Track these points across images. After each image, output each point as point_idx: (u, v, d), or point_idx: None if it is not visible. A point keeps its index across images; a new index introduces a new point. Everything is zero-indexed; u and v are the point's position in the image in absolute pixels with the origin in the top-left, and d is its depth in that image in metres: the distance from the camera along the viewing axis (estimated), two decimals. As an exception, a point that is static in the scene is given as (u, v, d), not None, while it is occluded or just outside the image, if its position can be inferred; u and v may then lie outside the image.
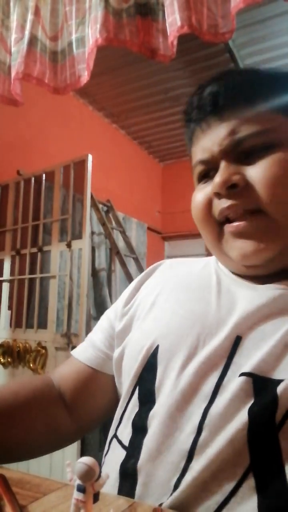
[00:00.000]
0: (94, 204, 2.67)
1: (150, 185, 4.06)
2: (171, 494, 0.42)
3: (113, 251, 2.86)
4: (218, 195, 0.50)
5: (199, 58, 2.54)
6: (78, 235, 2.00)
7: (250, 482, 0.40)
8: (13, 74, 1.32)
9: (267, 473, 0.40)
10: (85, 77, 1.26)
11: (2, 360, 2.05)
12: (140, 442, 0.47)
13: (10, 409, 0.56)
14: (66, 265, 2.03)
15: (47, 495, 0.39)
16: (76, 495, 0.31)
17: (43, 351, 1.94)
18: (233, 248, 0.51)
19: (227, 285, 0.55)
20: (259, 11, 2.19)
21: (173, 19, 1.04)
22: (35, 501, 0.37)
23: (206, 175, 0.53)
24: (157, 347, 0.51)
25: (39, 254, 2.12)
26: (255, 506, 0.39)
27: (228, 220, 0.51)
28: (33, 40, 1.31)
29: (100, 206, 2.86)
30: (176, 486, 0.42)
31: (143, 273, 0.68)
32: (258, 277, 0.52)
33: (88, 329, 2.39)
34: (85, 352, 0.65)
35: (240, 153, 0.50)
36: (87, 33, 1.23)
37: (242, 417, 0.41)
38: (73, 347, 1.84)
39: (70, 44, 1.29)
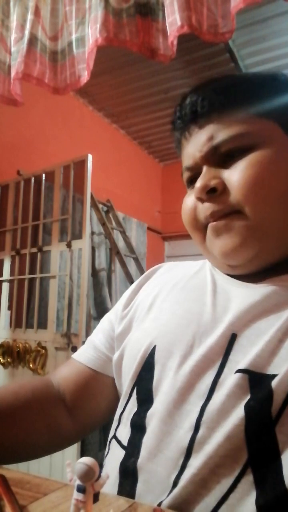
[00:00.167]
0: (94, 204, 2.66)
1: (150, 185, 4.06)
2: (170, 491, 0.42)
3: (113, 251, 2.86)
4: (200, 199, 0.52)
5: (199, 58, 2.54)
6: (78, 235, 2.00)
7: (249, 477, 0.40)
8: (13, 74, 1.32)
9: (265, 468, 0.40)
10: (85, 77, 1.26)
11: (2, 360, 2.05)
12: (139, 441, 0.48)
13: (10, 409, 0.56)
14: (66, 265, 2.03)
15: (47, 495, 0.39)
16: (76, 495, 0.31)
17: (43, 351, 1.94)
18: (214, 246, 0.53)
19: (221, 284, 0.56)
20: (259, 11, 2.19)
21: (173, 19, 1.04)
22: (35, 501, 0.37)
23: (193, 180, 0.55)
24: (154, 347, 0.52)
25: (39, 254, 2.12)
26: (253, 501, 0.39)
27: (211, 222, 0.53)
28: (33, 40, 1.31)
29: (100, 206, 2.86)
30: (175, 483, 0.42)
31: (142, 276, 0.69)
32: (252, 276, 0.53)
33: (88, 329, 2.39)
34: (86, 353, 0.66)
35: (220, 157, 0.52)
36: (87, 33, 1.23)
37: (238, 412, 0.42)
38: (73, 347, 1.86)
39: (70, 44, 1.29)
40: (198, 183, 0.51)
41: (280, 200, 0.50)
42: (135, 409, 0.51)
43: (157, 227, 4.03)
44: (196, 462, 0.42)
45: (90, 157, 1.98)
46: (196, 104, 0.53)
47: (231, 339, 0.47)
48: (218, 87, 0.53)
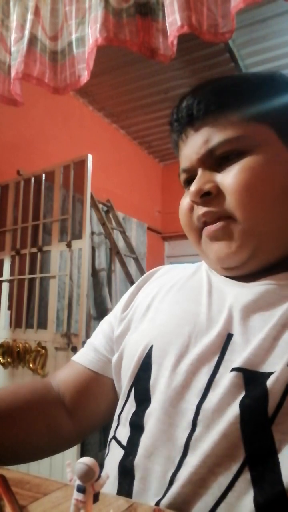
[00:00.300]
0: (94, 204, 2.66)
1: (150, 185, 4.06)
2: (167, 489, 0.42)
3: (113, 251, 2.86)
4: (195, 202, 0.53)
5: (199, 58, 2.54)
6: (78, 235, 2.00)
7: (246, 476, 0.40)
8: (13, 74, 1.32)
9: (263, 466, 0.40)
10: (85, 77, 1.26)
11: (2, 360, 2.05)
12: (137, 440, 0.48)
13: (9, 409, 0.56)
14: (66, 265, 2.03)
15: (47, 495, 0.38)
16: (76, 495, 0.31)
17: (43, 351, 1.94)
18: (209, 250, 0.55)
19: (217, 285, 0.56)
20: (259, 11, 2.19)
21: (173, 19, 1.04)
22: (35, 501, 0.37)
23: (190, 182, 0.55)
24: (151, 347, 0.53)
25: (39, 254, 2.12)
26: (251, 499, 0.39)
27: (206, 224, 0.54)
28: (33, 40, 1.31)
29: (100, 206, 2.86)
30: (171, 481, 0.43)
31: (140, 278, 0.70)
32: (248, 276, 0.54)
33: (88, 329, 2.39)
34: (86, 355, 0.66)
35: (215, 160, 0.53)
36: (87, 33, 1.23)
37: (233, 410, 0.42)
38: (73, 347, 1.86)
39: (70, 44, 1.29)
40: (193, 187, 0.52)
41: (273, 203, 0.50)
42: (134, 409, 0.52)
43: (157, 227, 4.03)
44: (193, 460, 0.42)
45: (90, 157, 1.98)
46: (192, 107, 0.53)
47: (227, 339, 0.48)
48: (214, 90, 0.53)
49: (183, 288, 0.60)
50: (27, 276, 2.13)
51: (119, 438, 0.52)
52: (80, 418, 0.62)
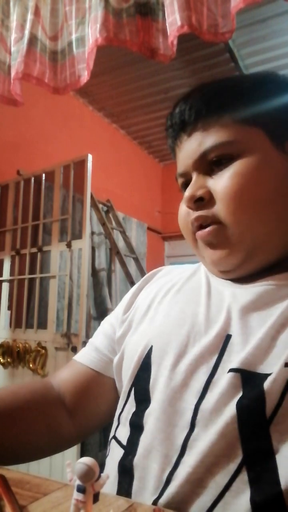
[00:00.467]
0: (94, 204, 2.66)
1: (150, 185, 4.06)
2: (163, 488, 0.43)
3: (113, 251, 2.86)
4: (189, 207, 0.54)
5: (199, 58, 2.54)
6: (78, 235, 2.00)
7: (244, 476, 0.40)
8: (13, 74, 1.32)
9: (260, 467, 0.40)
10: (85, 77, 1.26)
11: (2, 360, 2.05)
12: (137, 440, 0.48)
13: (9, 408, 0.56)
14: (66, 265, 2.03)
15: (47, 495, 0.38)
16: (76, 495, 0.31)
17: (43, 351, 1.94)
18: (204, 254, 0.56)
19: (215, 286, 0.57)
20: (259, 11, 2.19)
21: (173, 19, 1.04)
22: (35, 501, 0.37)
23: (187, 186, 0.56)
24: (151, 348, 0.53)
25: (39, 254, 2.12)
26: (247, 499, 0.39)
27: (200, 228, 0.54)
28: (33, 40, 1.31)
29: (100, 206, 2.86)
30: (168, 480, 0.43)
31: (141, 280, 0.71)
32: (246, 277, 0.54)
33: (88, 329, 2.39)
34: (88, 355, 0.66)
35: (208, 165, 0.53)
36: (87, 33, 1.23)
37: (231, 410, 0.42)
38: (73, 347, 1.85)
39: (70, 44, 1.29)
40: (187, 192, 0.53)
41: (266, 206, 0.51)
42: (134, 409, 0.52)
43: (157, 227, 4.03)
44: (190, 460, 0.42)
45: (90, 157, 1.98)
46: (184, 113, 0.54)
47: (226, 339, 0.48)
48: (206, 95, 0.54)
49: (182, 289, 0.61)
50: (27, 276, 2.13)
51: (119, 437, 0.53)
52: (80, 418, 0.62)
